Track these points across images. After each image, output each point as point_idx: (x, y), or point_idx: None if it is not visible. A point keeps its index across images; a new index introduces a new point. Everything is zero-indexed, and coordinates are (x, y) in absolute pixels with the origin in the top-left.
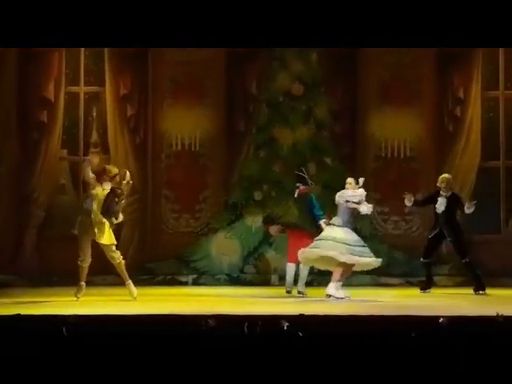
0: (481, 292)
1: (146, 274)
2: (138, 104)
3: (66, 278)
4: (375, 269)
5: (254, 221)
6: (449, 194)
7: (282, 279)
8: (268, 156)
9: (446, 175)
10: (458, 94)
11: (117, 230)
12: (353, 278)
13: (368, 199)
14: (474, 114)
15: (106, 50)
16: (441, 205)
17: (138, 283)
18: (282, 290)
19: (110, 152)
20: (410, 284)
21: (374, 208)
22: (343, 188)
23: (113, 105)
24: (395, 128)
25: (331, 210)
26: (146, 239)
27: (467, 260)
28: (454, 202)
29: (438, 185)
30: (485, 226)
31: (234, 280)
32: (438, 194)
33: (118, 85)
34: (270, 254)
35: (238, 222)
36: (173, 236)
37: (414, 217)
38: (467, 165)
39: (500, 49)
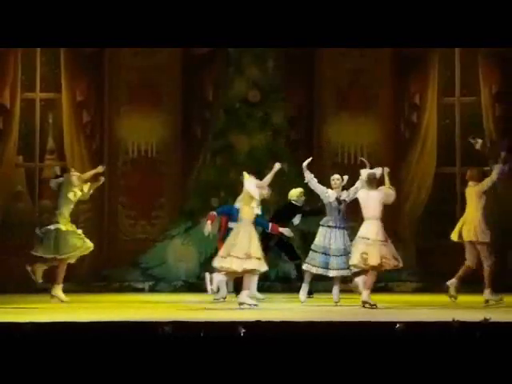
0: (311, 296)
1: (102, 280)
2: (94, 110)
3: (22, 284)
4: None
5: (214, 228)
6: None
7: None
8: (225, 162)
9: (300, 190)
10: (414, 100)
11: None
12: (317, 283)
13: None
14: (430, 120)
15: (62, 56)
16: (298, 218)
17: (94, 290)
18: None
19: (66, 159)
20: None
21: None
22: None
23: (69, 111)
24: (352, 134)
25: None
26: (103, 246)
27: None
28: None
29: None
30: (441, 232)
31: (191, 287)
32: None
33: (74, 91)
34: None
35: (194, 229)
36: (129, 243)
37: None
38: (423, 171)
39: (456, 55)
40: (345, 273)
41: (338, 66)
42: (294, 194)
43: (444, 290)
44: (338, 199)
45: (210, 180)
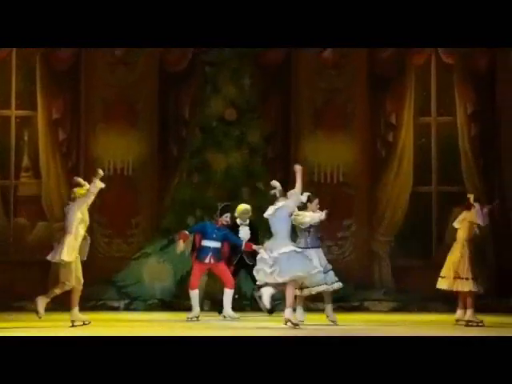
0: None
1: None
2: (70, 128)
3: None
4: None
5: (187, 246)
6: (247, 222)
7: (214, 304)
8: (201, 181)
9: (246, 207)
10: (390, 119)
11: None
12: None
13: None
14: (406, 139)
15: (37, 73)
16: (246, 234)
17: (69, 308)
18: (214, 316)
19: (41, 176)
20: (342, 309)
21: None
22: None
23: (45, 129)
24: (328, 153)
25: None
26: None
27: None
28: (253, 229)
29: (236, 215)
30: (417, 251)
31: (167, 305)
32: (236, 225)
33: (50, 109)
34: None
35: (170, 247)
36: (105, 261)
37: (346, 242)
38: (399, 190)
39: (432, 75)
40: (321, 289)
41: (314, 85)
42: (238, 210)
43: (421, 308)
44: None
45: (186, 198)
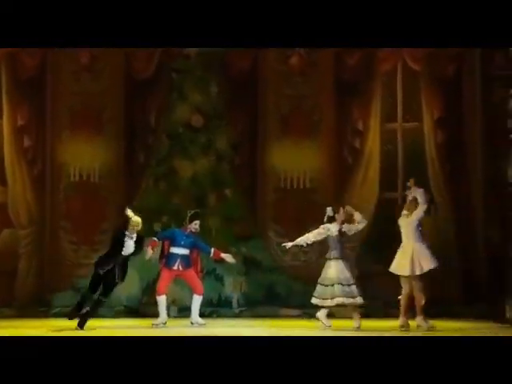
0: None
1: (43, 305)
2: (35, 135)
3: None
4: (275, 300)
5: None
6: (135, 235)
7: (181, 311)
8: (168, 188)
9: (139, 220)
10: (357, 125)
11: (14, 262)
12: (258, 308)
13: (268, 230)
14: (372, 145)
15: (3, 80)
16: (129, 247)
17: (35, 315)
18: (181, 321)
19: (7, 184)
20: (309, 315)
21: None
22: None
23: (10, 136)
24: (295, 159)
25: (229, 241)
26: (44, 271)
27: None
28: (139, 243)
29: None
30: (383, 257)
31: (134, 312)
32: (123, 236)
33: (15, 115)
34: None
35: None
36: (71, 268)
37: (312, 248)
38: (366, 196)
39: (398, 81)
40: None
41: (280, 92)
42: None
43: (389, 314)
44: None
45: (152, 205)
